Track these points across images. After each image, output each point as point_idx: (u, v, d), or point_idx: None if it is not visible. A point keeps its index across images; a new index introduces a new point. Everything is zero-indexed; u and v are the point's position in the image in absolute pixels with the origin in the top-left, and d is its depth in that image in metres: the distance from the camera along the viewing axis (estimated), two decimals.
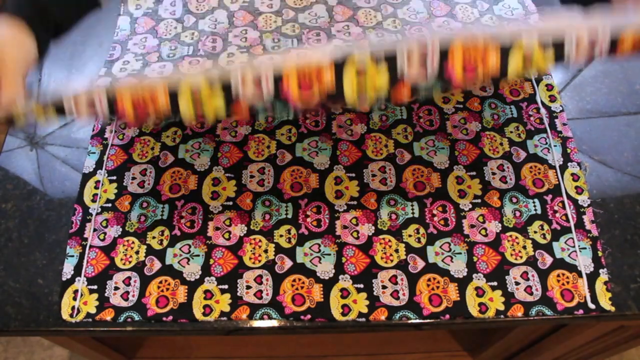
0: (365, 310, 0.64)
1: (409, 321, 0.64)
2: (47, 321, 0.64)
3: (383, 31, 0.86)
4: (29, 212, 0.72)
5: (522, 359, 0.98)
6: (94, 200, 0.72)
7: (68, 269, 0.67)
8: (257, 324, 0.64)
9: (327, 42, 0.85)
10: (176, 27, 0.88)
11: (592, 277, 0.65)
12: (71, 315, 0.64)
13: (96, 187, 0.73)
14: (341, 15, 0.88)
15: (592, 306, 0.64)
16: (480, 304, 0.64)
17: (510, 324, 0.65)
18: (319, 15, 0.88)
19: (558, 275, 0.66)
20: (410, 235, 0.68)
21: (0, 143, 0.78)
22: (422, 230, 0.69)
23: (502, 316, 0.63)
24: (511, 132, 0.77)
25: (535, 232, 0.69)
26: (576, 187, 0.72)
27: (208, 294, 0.65)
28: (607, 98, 0.80)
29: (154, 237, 0.69)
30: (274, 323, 0.64)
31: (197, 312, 0.64)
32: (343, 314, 0.64)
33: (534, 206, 0.70)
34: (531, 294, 0.65)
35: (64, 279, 0.66)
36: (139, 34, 0.86)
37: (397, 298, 0.64)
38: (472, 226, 0.69)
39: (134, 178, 0.73)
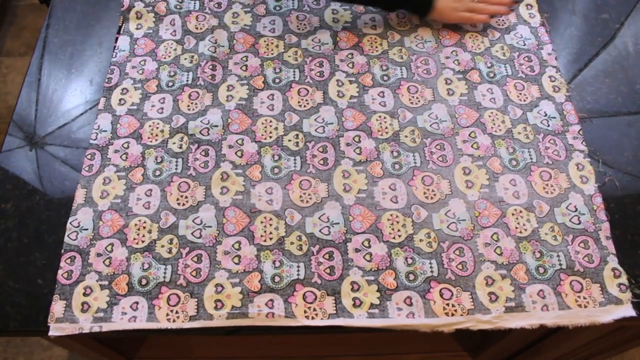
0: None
1: None
2: (47, 321, 0.64)
3: (388, 62, 0.83)
4: (28, 212, 0.71)
5: (522, 359, 0.98)
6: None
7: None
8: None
9: (329, 76, 0.82)
10: (176, 49, 0.85)
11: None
12: None
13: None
14: (345, 42, 0.86)
15: None
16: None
17: None
18: (323, 41, 0.86)
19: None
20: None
21: (0, 143, 0.78)
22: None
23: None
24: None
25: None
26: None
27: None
28: (608, 98, 0.80)
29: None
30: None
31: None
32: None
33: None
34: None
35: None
36: (138, 55, 0.85)
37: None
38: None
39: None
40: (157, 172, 0.74)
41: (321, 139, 0.76)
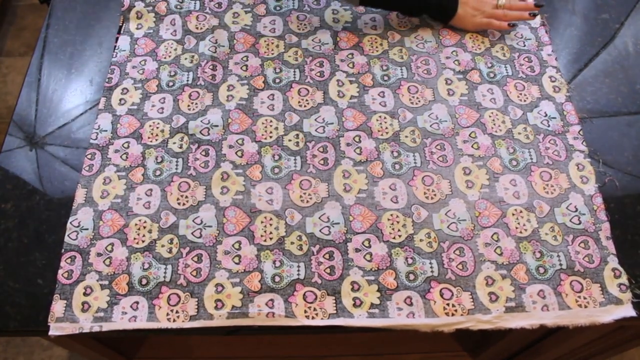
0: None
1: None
2: (47, 321, 0.64)
3: (388, 62, 0.84)
4: (28, 212, 0.71)
5: (522, 359, 0.98)
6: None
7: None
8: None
9: (329, 76, 0.82)
10: (176, 49, 0.85)
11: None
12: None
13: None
14: (346, 42, 0.86)
15: None
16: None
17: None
18: (323, 41, 0.86)
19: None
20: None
21: (0, 143, 0.78)
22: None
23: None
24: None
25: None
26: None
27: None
28: (608, 98, 0.80)
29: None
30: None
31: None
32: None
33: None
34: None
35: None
36: (138, 55, 0.85)
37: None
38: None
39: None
40: (158, 172, 0.74)
41: (321, 139, 0.76)
